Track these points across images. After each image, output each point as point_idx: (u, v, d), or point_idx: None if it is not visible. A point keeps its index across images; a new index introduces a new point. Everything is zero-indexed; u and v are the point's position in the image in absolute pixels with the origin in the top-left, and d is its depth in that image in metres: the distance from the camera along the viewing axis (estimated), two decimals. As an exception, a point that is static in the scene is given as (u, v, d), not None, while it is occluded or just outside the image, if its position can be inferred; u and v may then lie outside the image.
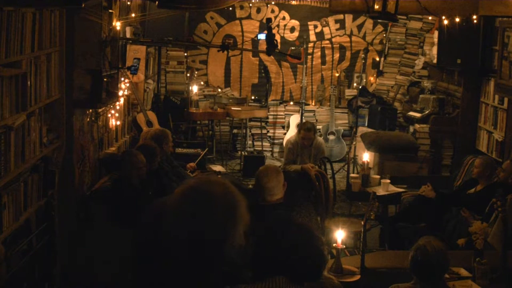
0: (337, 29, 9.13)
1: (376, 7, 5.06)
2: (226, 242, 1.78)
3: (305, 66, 8.91)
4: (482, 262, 3.44)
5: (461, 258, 3.66)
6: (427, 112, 7.57)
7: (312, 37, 9.12)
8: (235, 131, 9.06)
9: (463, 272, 3.55)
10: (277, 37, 8.40)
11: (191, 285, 1.80)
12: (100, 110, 5.11)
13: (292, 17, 9.03)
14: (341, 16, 9.03)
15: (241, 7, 8.95)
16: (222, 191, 1.82)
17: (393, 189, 5.68)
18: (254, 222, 2.54)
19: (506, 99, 6.03)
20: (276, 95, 9.24)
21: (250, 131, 9.07)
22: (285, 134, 8.97)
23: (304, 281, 2.11)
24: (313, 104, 9.22)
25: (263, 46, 5.17)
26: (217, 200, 1.79)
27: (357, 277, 3.48)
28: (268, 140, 9.17)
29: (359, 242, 4.69)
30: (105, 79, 4.66)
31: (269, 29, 4.60)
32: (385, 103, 8.83)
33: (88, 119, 4.83)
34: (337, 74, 9.20)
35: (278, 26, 8.96)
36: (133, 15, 6.31)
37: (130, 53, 6.23)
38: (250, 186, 6.42)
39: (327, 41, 9.16)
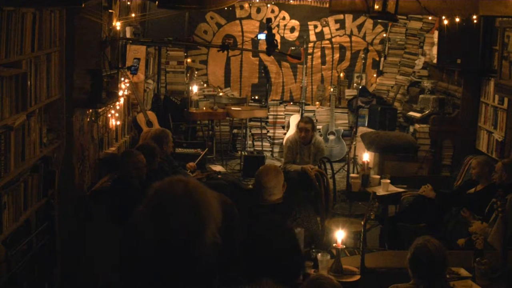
0: (337, 29, 9.13)
1: (376, 7, 5.04)
2: (194, 241, 1.77)
3: (305, 66, 8.91)
4: (482, 262, 3.44)
5: (461, 258, 3.66)
6: (427, 112, 7.57)
7: (312, 37, 9.12)
8: (235, 131, 9.06)
9: (463, 272, 3.55)
10: (277, 37, 8.40)
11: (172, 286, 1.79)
12: (100, 110, 5.11)
13: (292, 17, 9.02)
14: (341, 16, 9.03)
15: (241, 7, 8.95)
16: (181, 191, 1.81)
17: (393, 189, 5.67)
18: (249, 222, 2.56)
19: (506, 99, 6.02)
20: (276, 95, 9.23)
21: (250, 131, 9.06)
22: (285, 134, 8.96)
23: (287, 283, 2.12)
24: (313, 104, 9.22)
25: (263, 46, 5.17)
26: (176, 201, 1.79)
27: (357, 277, 3.47)
28: (268, 140, 9.17)
29: (359, 242, 4.68)
30: (105, 79, 4.66)
31: (269, 29, 4.60)
32: (385, 103, 8.83)
33: (88, 119, 4.83)
34: (337, 74, 9.20)
35: (278, 26, 8.96)
36: (133, 15, 6.32)
37: (130, 53, 6.23)
38: (250, 186, 6.42)
39: (327, 41, 9.16)
